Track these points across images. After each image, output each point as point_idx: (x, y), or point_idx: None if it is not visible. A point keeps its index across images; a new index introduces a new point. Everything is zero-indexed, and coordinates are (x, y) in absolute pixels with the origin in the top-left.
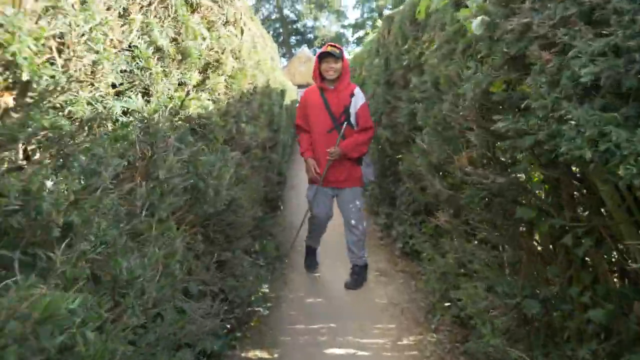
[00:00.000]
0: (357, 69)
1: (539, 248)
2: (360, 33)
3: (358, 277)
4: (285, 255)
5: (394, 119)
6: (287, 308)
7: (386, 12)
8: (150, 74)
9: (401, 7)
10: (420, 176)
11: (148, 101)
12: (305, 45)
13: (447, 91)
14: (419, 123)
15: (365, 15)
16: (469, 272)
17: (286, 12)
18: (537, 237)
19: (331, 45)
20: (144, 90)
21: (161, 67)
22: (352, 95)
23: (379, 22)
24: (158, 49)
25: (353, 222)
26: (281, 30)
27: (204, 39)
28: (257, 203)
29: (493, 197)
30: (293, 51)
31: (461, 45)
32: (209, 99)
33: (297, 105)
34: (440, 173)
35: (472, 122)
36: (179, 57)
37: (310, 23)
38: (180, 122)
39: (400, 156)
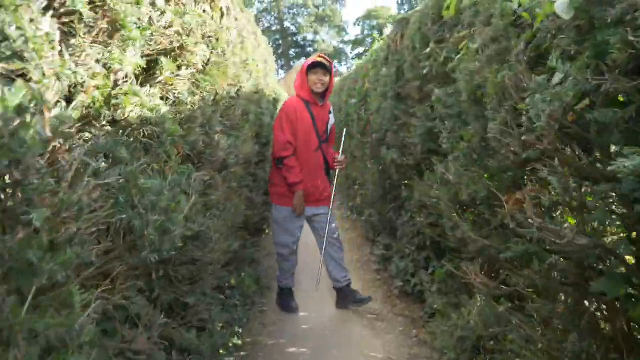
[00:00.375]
0: (359, 80)
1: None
2: (360, 49)
3: (353, 295)
4: (268, 287)
5: (403, 138)
6: None
7: (387, 31)
8: (22, 37)
9: (419, 7)
10: (435, 210)
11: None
12: (305, 58)
13: (495, 106)
14: (442, 146)
15: (366, 32)
16: (504, 347)
17: (287, 24)
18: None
19: (321, 57)
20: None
21: (60, 31)
22: (330, 112)
23: (388, 28)
24: (62, 5)
25: (338, 237)
26: (281, 42)
27: (161, 12)
28: (234, 231)
29: (560, 260)
30: (292, 64)
31: (521, 43)
32: (161, 98)
33: (280, 117)
34: (466, 211)
35: (548, 151)
36: (104, 25)
37: (310, 36)
38: (108, 127)
39: (407, 182)
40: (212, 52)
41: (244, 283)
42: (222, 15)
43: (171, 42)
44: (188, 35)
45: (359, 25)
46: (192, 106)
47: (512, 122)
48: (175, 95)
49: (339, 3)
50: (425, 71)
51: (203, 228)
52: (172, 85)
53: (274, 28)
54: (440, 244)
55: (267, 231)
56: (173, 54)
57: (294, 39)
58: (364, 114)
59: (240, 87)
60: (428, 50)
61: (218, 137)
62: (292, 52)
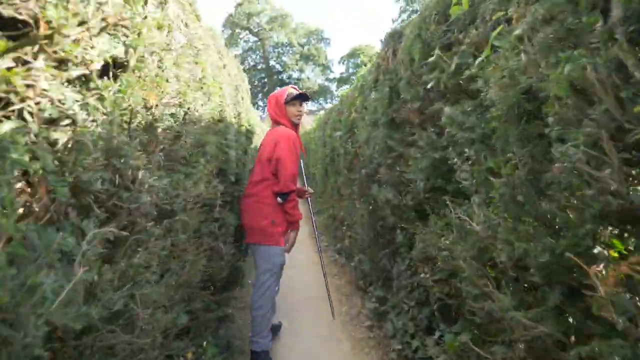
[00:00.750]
0: (345, 111)
1: None
2: (345, 87)
3: None
4: (241, 350)
5: (399, 173)
6: None
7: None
8: None
9: (416, 16)
10: (447, 265)
11: None
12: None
13: (567, 116)
14: (462, 183)
15: (350, 70)
16: None
17: (272, 62)
18: None
19: (294, 88)
20: None
21: None
22: None
23: (379, 43)
24: None
25: None
26: (266, 80)
27: None
28: (189, 293)
29: None
30: None
31: (616, 10)
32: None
33: (288, 146)
34: (502, 276)
35: None
36: None
37: (295, 75)
38: None
39: (404, 225)
40: (128, 51)
41: (206, 354)
42: (146, 1)
43: (20, 13)
44: (55, 7)
45: (343, 63)
46: (61, 132)
47: (609, 142)
48: (41, 106)
49: (324, 42)
50: (429, 86)
51: (119, 307)
52: (21, 86)
53: (259, 67)
54: (450, 305)
55: (240, 285)
56: (32, 35)
57: (279, 77)
58: (350, 147)
59: (188, 109)
60: (432, 59)
61: (142, 175)
62: (277, 89)
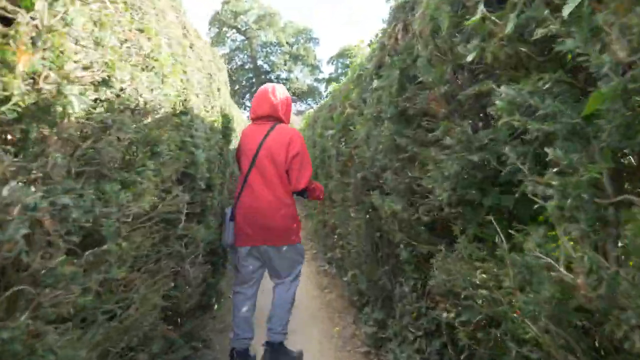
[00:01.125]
0: (337, 106)
1: None
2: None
3: None
4: None
5: (411, 180)
6: None
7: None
8: None
9: None
10: (484, 308)
11: None
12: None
13: None
14: (538, 201)
15: (340, 71)
16: None
17: (260, 62)
18: None
19: None
20: None
21: None
22: None
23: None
24: None
25: None
26: (254, 80)
27: None
28: (147, 331)
29: None
30: None
31: None
32: None
33: (303, 143)
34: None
35: None
36: None
37: (284, 75)
38: None
39: (415, 243)
40: None
41: None
42: None
43: None
44: None
45: (332, 63)
46: None
47: None
48: None
49: (313, 41)
50: (469, 59)
51: None
52: None
53: (247, 66)
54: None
55: (216, 306)
56: None
57: (267, 77)
58: (344, 147)
59: (122, 90)
60: (472, 21)
61: (8, 192)
62: (272, 85)
